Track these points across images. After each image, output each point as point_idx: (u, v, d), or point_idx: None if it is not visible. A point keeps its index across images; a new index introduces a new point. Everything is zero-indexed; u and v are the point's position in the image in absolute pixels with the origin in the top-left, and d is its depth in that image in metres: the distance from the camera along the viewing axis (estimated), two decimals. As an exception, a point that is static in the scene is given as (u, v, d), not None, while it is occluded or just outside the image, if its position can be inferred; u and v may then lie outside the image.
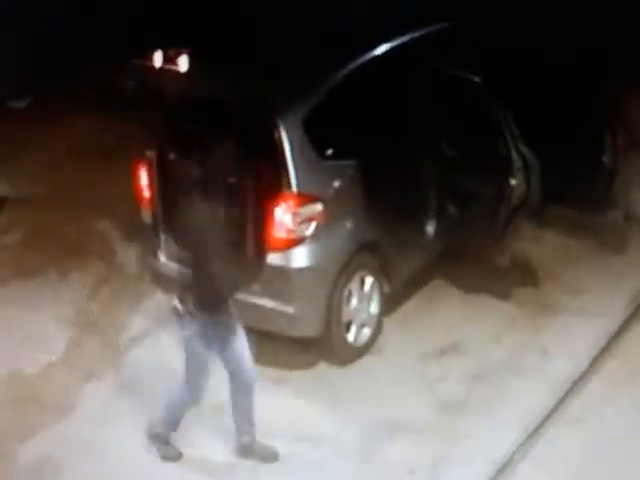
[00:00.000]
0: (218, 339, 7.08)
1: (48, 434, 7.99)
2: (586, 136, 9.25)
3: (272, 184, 8.12)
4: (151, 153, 8.74)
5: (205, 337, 7.10)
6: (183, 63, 10.74)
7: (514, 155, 8.66)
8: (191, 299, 7.01)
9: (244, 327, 7.77)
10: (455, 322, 8.92)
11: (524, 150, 8.71)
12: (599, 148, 9.38)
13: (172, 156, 8.69)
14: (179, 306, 7.08)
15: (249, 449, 7.46)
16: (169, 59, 11.49)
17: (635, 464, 7.32)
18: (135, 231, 9.37)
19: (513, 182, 8.68)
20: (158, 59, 11.50)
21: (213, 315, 6.98)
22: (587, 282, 9.29)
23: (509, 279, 9.20)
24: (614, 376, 8.24)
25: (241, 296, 8.01)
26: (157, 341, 8.96)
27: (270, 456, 7.42)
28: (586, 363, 8.38)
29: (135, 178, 8.78)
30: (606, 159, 9.41)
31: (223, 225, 6.99)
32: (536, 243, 9.62)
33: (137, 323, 9.24)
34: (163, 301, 9.08)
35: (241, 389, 7.27)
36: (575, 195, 9.32)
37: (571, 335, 8.69)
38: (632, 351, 8.54)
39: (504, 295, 9.13)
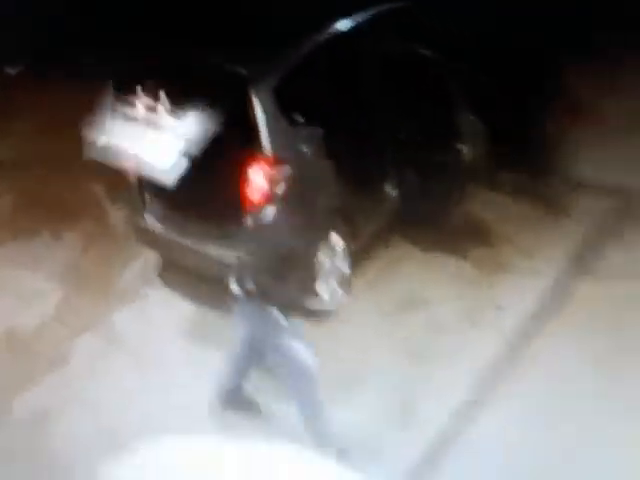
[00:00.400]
0: (272, 325, 6.84)
1: (42, 386, 8.05)
2: (529, 109, 9.42)
3: (246, 147, 8.13)
4: None
5: (260, 322, 6.92)
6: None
7: (465, 125, 8.95)
8: (249, 282, 6.81)
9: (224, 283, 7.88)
10: (416, 280, 8.95)
11: (474, 120, 8.98)
12: (542, 120, 9.58)
13: None
14: (237, 289, 6.91)
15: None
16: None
17: (581, 403, 7.44)
18: (123, 192, 9.21)
19: (464, 149, 8.99)
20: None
21: (271, 299, 6.79)
22: (536, 243, 9.28)
23: (465, 240, 9.27)
24: (557, 327, 8.32)
25: (219, 253, 8.28)
26: (143, 296, 9.02)
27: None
28: (534, 314, 8.47)
29: None
30: (548, 130, 9.62)
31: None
32: (490, 207, 9.63)
33: (124, 280, 9.25)
34: (150, 258, 9.32)
35: (299, 380, 6.97)
36: (522, 161, 9.46)
37: (522, 292, 8.75)
38: (574, 307, 8.57)
39: (461, 255, 9.15)
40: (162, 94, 8.22)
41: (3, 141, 11.56)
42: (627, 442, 7.11)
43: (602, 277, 8.87)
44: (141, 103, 8.34)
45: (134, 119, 8.42)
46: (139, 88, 8.32)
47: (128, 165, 8.58)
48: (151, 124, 8.31)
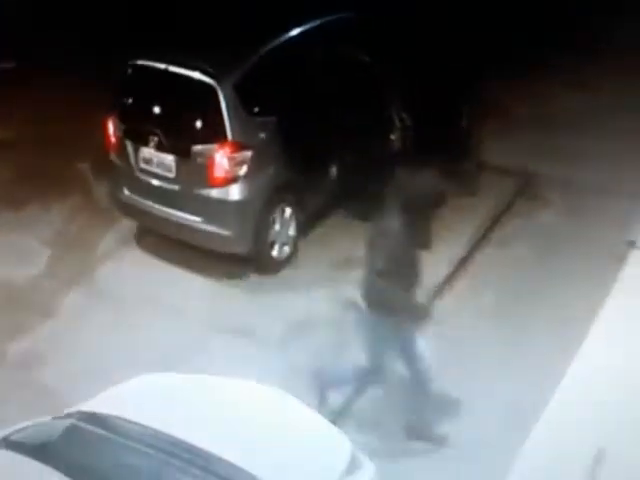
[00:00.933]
0: (399, 331, 6.57)
1: (35, 333, 8.13)
2: (449, 106, 9.51)
3: (213, 134, 8.36)
4: (115, 113, 8.89)
5: (383, 333, 6.60)
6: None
7: (395, 118, 9.03)
8: (373, 295, 6.48)
9: (192, 246, 8.37)
10: (351, 241, 8.84)
11: (403, 115, 9.04)
12: (459, 114, 9.67)
13: (132, 115, 8.85)
14: (360, 303, 6.65)
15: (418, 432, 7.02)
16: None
17: (481, 342, 7.87)
18: (107, 170, 9.32)
19: (393, 138, 9.11)
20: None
21: (395, 310, 6.48)
22: (453, 215, 9.09)
23: None
24: (467, 284, 8.68)
25: (188, 222, 8.51)
26: (122, 256, 9.13)
27: (438, 440, 7.00)
28: (446, 273, 8.73)
29: (105, 129, 8.92)
30: (464, 123, 9.69)
31: None
32: None
33: (106, 243, 9.29)
34: (127, 225, 9.38)
35: (416, 382, 6.83)
36: (442, 148, 9.29)
37: (437, 253, 8.28)
38: (477, 266, 8.88)
39: None
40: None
41: (3, 124, 11.32)
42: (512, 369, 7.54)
43: (500, 243, 9.16)
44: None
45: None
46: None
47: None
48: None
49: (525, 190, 9.97)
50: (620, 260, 8.70)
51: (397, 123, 9.13)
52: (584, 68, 11.70)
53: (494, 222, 9.42)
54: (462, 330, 8.10)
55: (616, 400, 7.20)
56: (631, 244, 8.96)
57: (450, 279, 8.72)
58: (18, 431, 5.65)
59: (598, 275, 8.52)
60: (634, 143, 10.34)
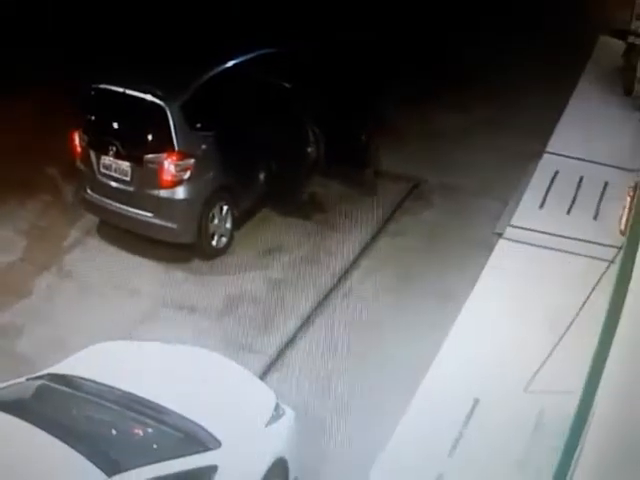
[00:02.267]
0: None
1: (12, 309, 7.94)
2: (353, 124, 9.33)
3: (162, 145, 8.23)
4: (80, 127, 8.66)
5: None
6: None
7: (310, 134, 8.90)
8: None
9: (145, 237, 8.22)
10: (276, 234, 9.03)
11: (317, 131, 8.92)
12: (361, 131, 9.43)
13: (94, 128, 8.62)
14: None
15: None
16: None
17: (376, 317, 7.91)
18: (73, 174, 9.14)
19: (309, 150, 8.95)
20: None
21: None
22: (353, 211, 9.37)
23: (309, 209, 9.32)
24: (368, 266, 8.66)
25: (142, 217, 8.32)
26: (86, 245, 8.91)
27: None
28: (352, 258, 8.74)
29: (71, 140, 8.72)
30: (364, 138, 9.47)
31: None
32: (326, 188, 9.62)
33: (73, 234, 9.07)
34: (90, 219, 9.09)
35: None
36: (347, 158, 9.38)
37: (344, 243, 8.92)
38: (376, 252, 8.87)
39: (306, 217, 9.23)
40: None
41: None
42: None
43: (393, 234, 9.16)
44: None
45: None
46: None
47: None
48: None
49: (413, 192, 9.90)
50: (490, 249, 8.77)
51: (312, 138, 8.99)
52: (460, 93, 11.63)
53: (389, 217, 9.38)
54: (366, 300, 8.16)
55: (487, 358, 7.30)
56: (499, 235, 9.03)
57: (357, 260, 8.72)
58: (-4, 390, 5.54)
59: (472, 260, 8.58)
60: (499, 155, 10.33)
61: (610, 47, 12.93)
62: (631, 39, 11.81)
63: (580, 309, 6.72)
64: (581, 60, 13.04)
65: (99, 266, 8.59)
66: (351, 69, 9.61)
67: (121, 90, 8.41)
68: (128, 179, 8.42)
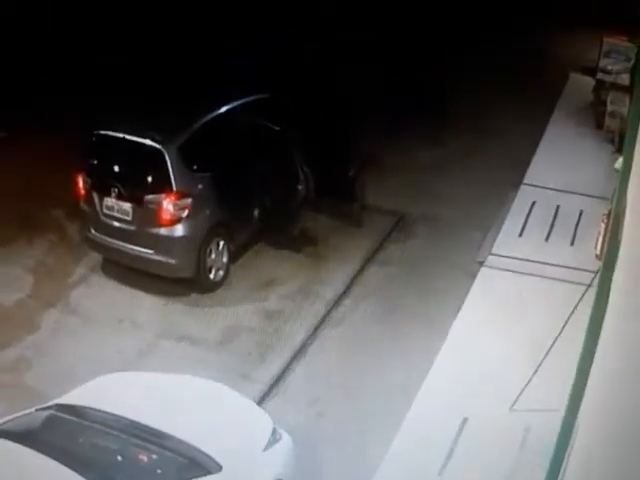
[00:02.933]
0: None
1: (21, 344, 7.91)
2: (339, 161, 9.34)
3: (161, 186, 8.27)
4: (84, 170, 8.68)
5: None
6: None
7: (300, 172, 8.93)
8: None
9: (146, 272, 8.20)
10: (270, 267, 9.04)
11: (306, 169, 8.96)
12: (347, 167, 9.45)
13: (97, 172, 8.64)
14: None
15: None
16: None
17: (367, 340, 7.94)
18: (77, 215, 9.12)
19: (299, 187, 8.98)
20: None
21: None
22: (343, 243, 9.40)
23: (300, 242, 9.29)
24: (358, 295, 8.65)
25: (143, 254, 8.32)
26: (91, 282, 8.89)
27: None
28: (343, 287, 8.72)
29: (75, 183, 8.75)
30: (351, 174, 9.50)
31: None
32: (315, 222, 9.55)
33: (78, 271, 9.03)
34: (94, 257, 9.08)
35: None
36: (335, 194, 9.44)
37: (335, 272, 8.94)
38: (365, 281, 8.85)
39: (298, 250, 9.22)
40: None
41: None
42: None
43: (381, 263, 9.16)
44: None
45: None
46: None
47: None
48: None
49: (398, 224, 9.89)
50: (473, 276, 8.79)
51: (301, 176, 9.03)
52: (439, 128, 11.77)
53: (376, 248, 9.40)
54: (356, 327, 8.16)
55: (473, 379, 7.32)
56: (480, 263, 9.06)
57: (348, 288, 8.71)
58: (6, 421, 5.47)
59: (456, 286, 8.61)
60: (478, 186, 10.44)
61: (580, 84, 13.22)
62: (600, 76, 12.03)
63: (561, 331, 6.76)
64: (553, 96, 13.24)
65: (103, 301, 8.57)
66: (334, 107, 9.72)
67: (121, 135, 8.46)
68: (129, 219, 8.43)
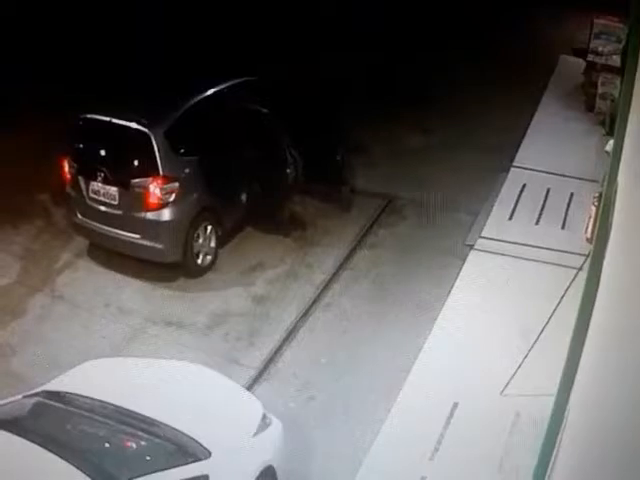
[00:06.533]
0: None
1: (7, 329, 7.87)
2: (328, 144, 9.36)
3: (147, 170, 8.22)
4: (69, 155, 8.64)
5: None
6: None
7: (288, 156, 8.89)
8: None
9: (132, 257, 8.14)
10: (259, 251, 9.04)
11: (294, 153, 8.92)
12: (335, 150, 9.49)
13: (83, 156, 8.59)
14: None
15: None
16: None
17: (357, 319, 8.01)
18: (63, 200, 9.10)
19: (288, 171, 8.93)
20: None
21: None
22: (333, 228, 9.43)
23: (289, 226, 9.33)
24: (347, 278, 8.67)
25: (129, 239, 8.28)
26: (77, 267, 8.86)
27: None
28: (332, 271, 8.74)
29: (61, 167, 8.69)
30: (339, 157, 9.55)
31: None
32: (305, 206, 9.61)
33: (65, 256, 9.00)
34: (81, 243, 9.07)
35: None
36: (324, 178, 9.45)
37: (324, 257, 8.96)
38: (354, 265, 8.89)
39: (286, 234, 9.24)
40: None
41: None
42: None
43: (370, 247, 9.19)
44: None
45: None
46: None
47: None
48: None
49: (387, 208, 9.94)
50: (462, 259, 8.82)
51: (290, 159, 8.96)
52: (421, 116, 11.79)
53: (366, 231, 9.42)
54: (345, 311, 8.17)
55: (464, 364, 7.34)
56: (470, 247, 9.09)
57: (337, 271, 8.73)
58: (-6, 408, 5.46)
59: (446, 270, 8.64)
60: (467, 170, 10.40)
61: (570, 66, 13.20)
62: (590, 57, 12.03)
63: (551, 315, 6.76)
64: (543, 79, 13.23)
65: (90, 286, 8.54)
66: (322, 91, 9.78)
67: (107, 119, 8.38)
68: (116, 203, 8.38)
